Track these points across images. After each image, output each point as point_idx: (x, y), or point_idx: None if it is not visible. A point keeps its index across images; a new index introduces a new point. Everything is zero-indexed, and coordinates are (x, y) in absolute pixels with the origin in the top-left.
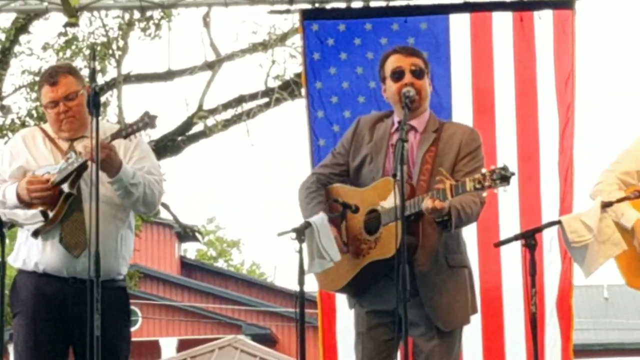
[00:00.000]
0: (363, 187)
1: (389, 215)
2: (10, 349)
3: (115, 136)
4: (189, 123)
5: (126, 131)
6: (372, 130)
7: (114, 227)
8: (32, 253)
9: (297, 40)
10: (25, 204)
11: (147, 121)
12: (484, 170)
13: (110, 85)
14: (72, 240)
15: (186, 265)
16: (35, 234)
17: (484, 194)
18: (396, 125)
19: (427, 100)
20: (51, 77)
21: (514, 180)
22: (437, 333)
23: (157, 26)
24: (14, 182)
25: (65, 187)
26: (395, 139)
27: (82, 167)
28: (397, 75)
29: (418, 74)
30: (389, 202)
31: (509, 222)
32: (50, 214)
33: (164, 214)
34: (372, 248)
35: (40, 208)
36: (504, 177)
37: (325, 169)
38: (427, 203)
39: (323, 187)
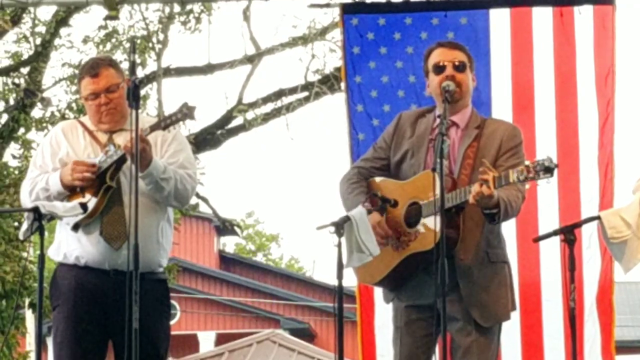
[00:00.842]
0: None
1: (429, 208)
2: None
3: (154, 128)
4: (228, 117)
5: (165, 122)
6: (414, 126)
7: (154, 220)
8: (73, 246)
9: (336, 34)
10: (68, 188)
11: (186, 112)
12: (527, 162)
13: (150, 78)
14: (112, 232)
15: (225, 259)
16: (76, 227)
17: (526, 187)
18: (438, 120)
19: (468, 94)
20: (92, 69)
21: (554, 175)
22: (476, 328)
23: (198, 20)
24: (57, 171)
25: (106, 180)
26: (437, 133)
27: (121, 160)
28: (439, 68)
29: (460, 67)
30: (430, 194)
31: (548, 218)
32: (90, 206)
33: (203, 208)
34: (412, 240)
35: (79, 197)
36: (548, 169)
37: (366, 162)
38: (475, 187)
39: (365, 179)
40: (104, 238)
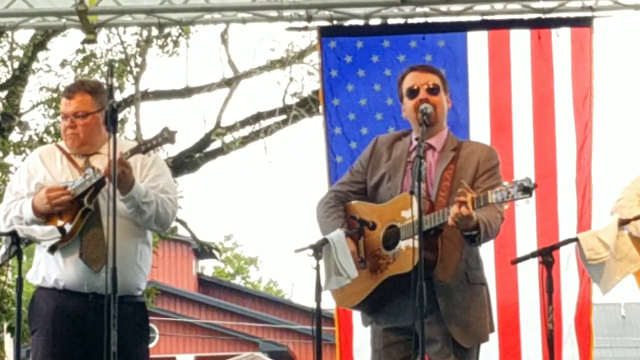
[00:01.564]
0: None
1: (407, 231)
2: None
3: (134, 151)
4: (206, 140)
5: (145, 146)
6: (390, 149)
7: (132, 242)
8: (52, 269)
9: (314, 57)
10: (41, 215)
11: (167, 136)
12: (505, 183)
13: (128, 102)
14: (92, 254)
15: (203, 282)
16: (52, 249)
17: (505, 208)
18: (414, 143)
19: (444, 117)
20: (69, 91)
21: (532, 197)
22: (454, 350)
23: (175, 43)
24: (30, 198)
25: (84, 202)
26: (414, 156)
27: (100, 183)
28: (413, 92)
29: (434, 90)
30: (408, 217)
31: (526, 239)
32: (68, 229)
33: (182, 231)
34: (390, 263)
35: (57, 221)
36: (527, 189)
37: (343, 186)
38: (454, 209)
39: (342, 203)
40: (84, 260)
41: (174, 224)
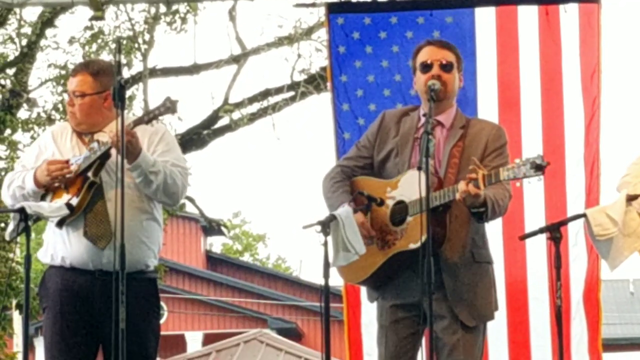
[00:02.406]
0: (388, 180)
1: (415, 207)
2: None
3: (137, 122)
4: (214, 117)
5: (148, 116)
6: (398, 124)
7: (137, 218)
8: (59, 247)
9: (322, 34)
10: (42, 187)
11: (169, 106)
12: (517, 160)
13: (136, 79)
14: (96, 232)
15: (212, 259)
16: (60, 223)
17: (517, 185)
18: (423, 119)
19: (454, 95)
20: (74, 69)
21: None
22: (461, 326)
23: (183, 20)
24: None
25: (89, 176)
26: (422, 132)
27: (105, 156)
28: (426, 67)
29: (447, 67)
30: (416, 193)
31: (535, 216)
32: (73, 203)
33: (190, 208)
34: (397, 239)
35: (63, 195)
36: (539, 166)
37: (349, 161)
38: (461, 185)
39: (348, 178)
40: (88, 238)
41: (182, 200)
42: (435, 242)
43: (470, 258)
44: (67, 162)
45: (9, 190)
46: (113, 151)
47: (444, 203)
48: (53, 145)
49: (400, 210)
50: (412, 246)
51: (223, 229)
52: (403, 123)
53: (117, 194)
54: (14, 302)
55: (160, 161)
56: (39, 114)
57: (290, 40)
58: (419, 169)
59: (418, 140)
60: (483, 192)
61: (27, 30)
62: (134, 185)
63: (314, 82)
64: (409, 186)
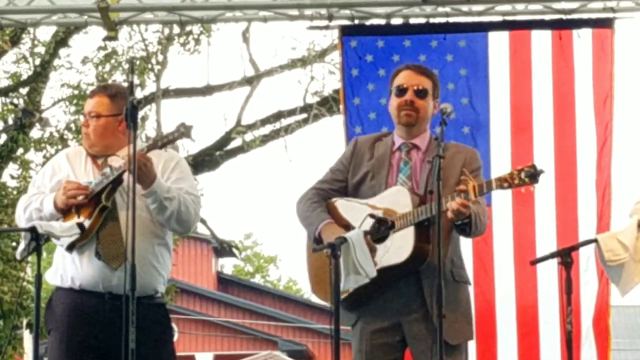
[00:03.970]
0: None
1: (402, 222)
2: None
3: (151, 147)
4: (227, 138)
5: (162, 141)
6: (372, 149)
7: (149, 242)
8: (68, 268)
9: (336, 56)
10: (61, 211)
11: (183, 131)
12: (510, 170)
13: (149, 99)
14: (109, 252)
15: (223, 281)
16: (70, 247)
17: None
18: (397, 144)
19: (426, 121)
20: (93, 91)
21: (551, 198)
22: (445, 346)
23: (197, 41)
24: (52, 193)
25: (101, 200)
26: (397, 157)
27: (118, 181)
28: (400, 91)
29: (421, 94)
30: (402, 209)
31: (546, 240)
32: (86, 226)
33: (201, 229)
34: (381, 256)
35: (75, 218)
36: (533, 175)
37: (324, 184)
38: (452, 205)
39: (323, 200)
40: (102, 258)
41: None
42: (422, 256)
43: (450, 277)
44: (85, 187)
45: (24, 213)
46: (126, 175)
47: (428, 217)
48: (68, 166)
49: (382, 227)
50: (396, 261)
51: (234, 250)
52: (377, 147)
53: (128, 215)
54: (25, 321)
55: (175, 188)
56: (51, 133)
57: (303, 62)
58: (430, 192)
59: (392, 165)
60: (470, 204)
61: (40, 49)
62: (147, 209)
63: (327, 105)
64: (393, 203)
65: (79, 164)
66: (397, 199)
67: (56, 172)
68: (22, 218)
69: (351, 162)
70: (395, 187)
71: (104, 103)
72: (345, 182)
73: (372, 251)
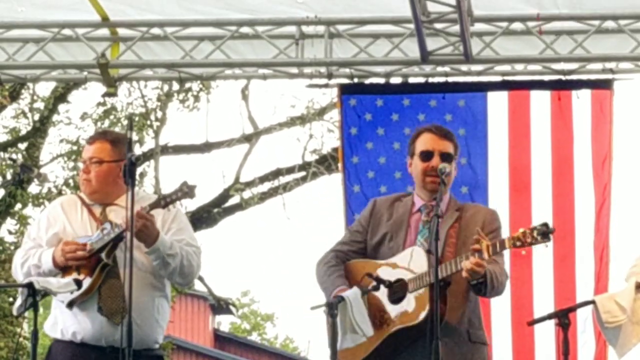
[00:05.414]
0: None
1: (416, 283)
2: None
3: (153, 206)
4: (225, 195)
5: (165, 201)
6: (390, 210)
7: (150, 296)
8: (69, 322)
9: (335, 114)
10: (60, 268)
11: (186, 191)
12: (522, 229)
13: (148, 156)
14: (111, 307)
15: (220, 338)
16: (70, 305)
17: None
18: (417, 205)
19: (450, 184)
20: (91, 137)
21: (549, 258)
22: None
23: (196, 98)
24: (50, 248)
25: (102, 257)
26: (416, 218)
27: (119, 238)
28: (426, 155)
29: (447, 158)
30: (417, 269)
31: (543, 301)
32: (85, 284)
33: (198, 286)
34: (397, 317)
35: (74, 275)
36: (545, 234)
37: (343, 246)
38: (466, 264)
39: (342, 263)
40: (104, 313)
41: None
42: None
43: (465, 338)
44: (84, 245)
45: (22, 268)
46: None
47: (445, 277)
48: (63, 217)
49: (398, 288)
50: (412, 323)
51: (231, 307)
52: (396, 208)
53: (126, 273)
54: None
55: (176, 241)
56: (49, 189)
57: (302, 120)
58: (428, 252)
59: (411, 227)
60: (485, 263)
61: (39, 105)
62: (148, 263)
63: (325, 163)
64: (410, 264)
65: (75, 215)
66: (413, 259)
67: (52, 224)
68: (19, 273)
69: (370, 223)
70: (412, 248)
71: (105, 149)
72: (364, 243)
73: (383, 312)
